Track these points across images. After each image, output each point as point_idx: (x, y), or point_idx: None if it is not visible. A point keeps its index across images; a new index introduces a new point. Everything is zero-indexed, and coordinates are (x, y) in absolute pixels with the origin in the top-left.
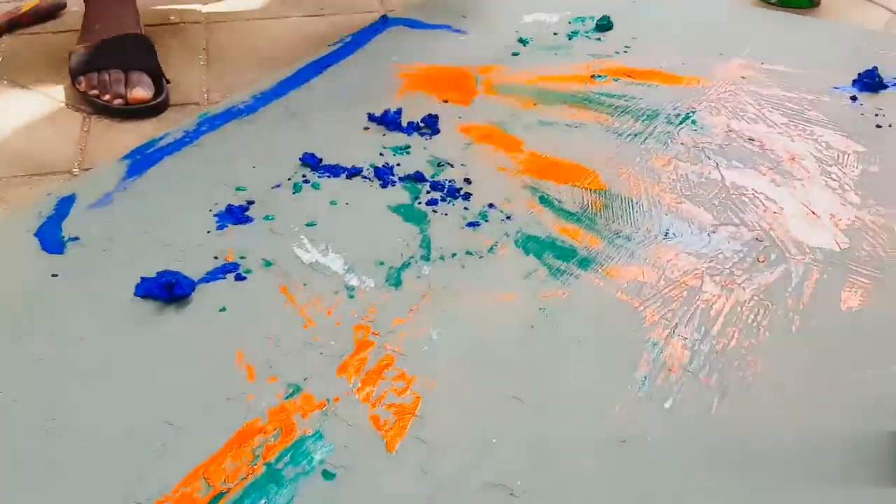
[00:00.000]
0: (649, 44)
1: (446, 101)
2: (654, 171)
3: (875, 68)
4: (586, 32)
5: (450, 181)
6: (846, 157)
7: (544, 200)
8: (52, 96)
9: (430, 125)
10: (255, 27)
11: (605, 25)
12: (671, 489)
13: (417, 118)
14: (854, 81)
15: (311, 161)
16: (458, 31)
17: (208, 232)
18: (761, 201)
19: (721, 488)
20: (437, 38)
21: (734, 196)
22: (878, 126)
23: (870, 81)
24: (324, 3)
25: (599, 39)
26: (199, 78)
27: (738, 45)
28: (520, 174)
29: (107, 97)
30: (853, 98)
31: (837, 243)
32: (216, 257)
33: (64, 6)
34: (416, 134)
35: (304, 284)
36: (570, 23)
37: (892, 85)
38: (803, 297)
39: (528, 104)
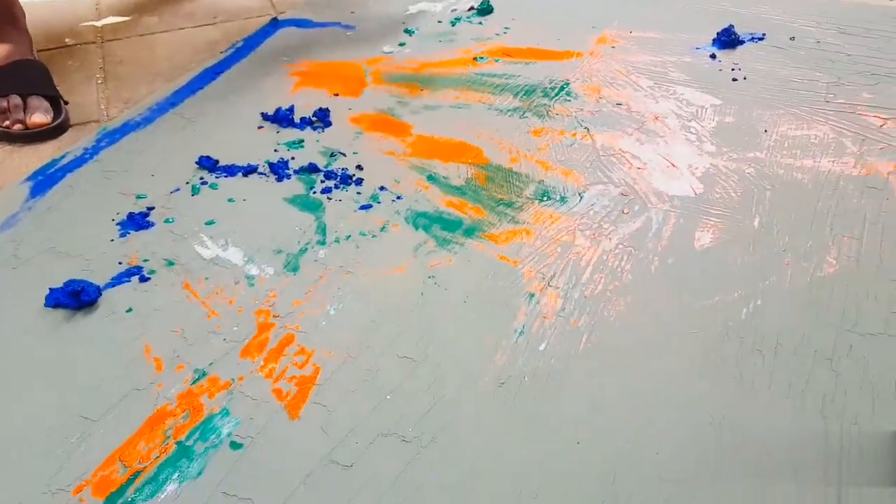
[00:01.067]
0: (527, 24)
1: (337, 95)
2: (532, 142)
3: (731, 26)
4: (468, 17)
5: (343, 169)
6: (704, 111)
7: (431, 178)
8: None
9: (322, 118)
10: (149, 41)
11: (485, 9)
12: (544, 420)
13: (309, 113)
14: (713, 40)
15: (207, 164)
16: (346, 27)
17: (112, 240)
18: (627, 160)
19: (588, 416)
20: (327, 36)
21: (603, 157)
22: (734, 80)
23: (727, 39)
24: (217, 11)
25: (481, 23)
26: (97, 95)
27: (609, 18)
28: (408, 157)
29: (6, 123)
30: (712, 56)
31: (693, 189)
32: (120, 262)
33: None
34: (308, 128)
35: (206, 279)
36: (452, 10)
37: (748, 40)
38: (662, 240)
39: (415, 90)
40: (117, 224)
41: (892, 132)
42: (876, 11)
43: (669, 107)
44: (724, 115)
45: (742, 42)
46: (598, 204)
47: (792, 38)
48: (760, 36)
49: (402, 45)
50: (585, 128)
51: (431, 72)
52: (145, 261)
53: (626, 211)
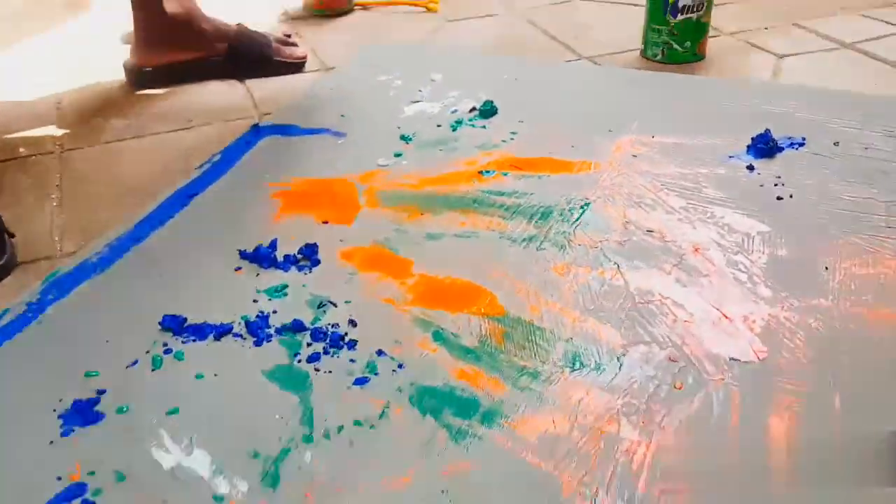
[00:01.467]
0: (536, 127)
1: (326, 223)
2: (554, 283)
3: (768, 131)
4: (470, 120)
5: (333, 326)
6: (751, 240)
7: (438, 337)
8: None
9: (309, 256)
10: (115, 151)
11: (488, 111)
12: None
13: (294, 249)
14: (749, 147)
15: (172, 324)
16: (336, 133)
17: (51, 442)
18: (669, 308)
19: None
20: (315, 145)
21: (640, 305)
22: (779, 198)
23: (764, 146)
24: (193, 111)
25: (484, 127)
26: (50, 224)
27: (626, 118)
28: (409, 305)
29: None
30: (750, 168)
31: (755, 353)
32: (59, 478)
33: None
34: (293, 268)
35: (164, 502)
36: (452, 111)
37: (788, 146)
38: (726, 428)
39: (415, 214)
40: (59, 416)
41: None
42: None
43: (710, 235)
44: (775, 245)
45: (781, 149)
46: (642, 374)
47: (836, 144)
48: (801, 141)
49: (398, 155)
50: (615, 264)
51: (432, 190)
52: (90, 474)
53: (678, 385)
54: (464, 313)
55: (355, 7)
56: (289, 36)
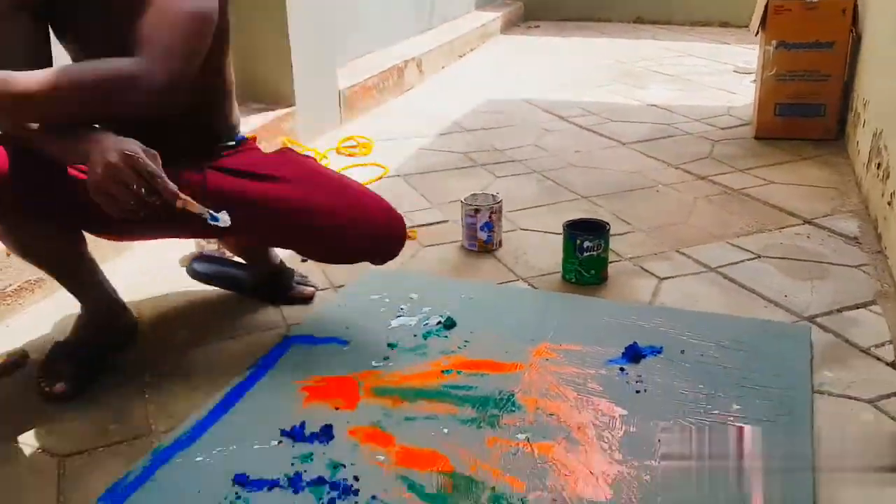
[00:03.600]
0: (482, 337)
1: (338, 409)
2: (486, 451)
3: (635, 343)
4: (437, 331)
5: (343, 480)
6: (614, 421)
7: (412, 487)
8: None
9: (327, 433)
10: (188, 355)
11: (450, 324)
12: None
13: (317, 428)
14: (622, 354)
15: (241, 480)
16: (342, 342)
17: None
18: (557, 468)
19: None
20: (327, 352)
21: (539, 466)
22: (637, 392)
23: (632, 354)
24: (234, 325)
25: (447, 336)
26: (145, 409)
27: (544, 330)
28: (392, 466)
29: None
30: (622, 369)
31: (605, 496)
32: None
33: (27, 356)
34: (316, 442)
35: None
36: (424, 324)
37: (649, 353)
38: None
39: (397, 403)
40: None
41: None
42: (751, 326)
43: (589, 417)
44: (628, 424)
45: (644, 356)
46: None
47: (682, 352)
48: (659, 349)
49: (386, 358)
50: (526, 437)
51: (409, 385)
52: None
53: None
54: (428, 471)
55: None
56: (307, 278)
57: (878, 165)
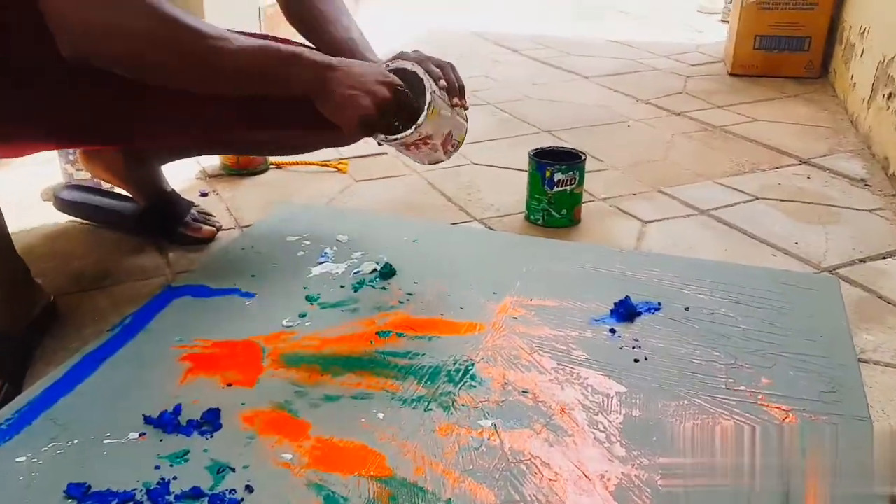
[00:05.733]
0: (429, 289)
1: (230, 385)
2: (438, 444)
3: (628, 298)
4: (371, 281)
5: (230, 492)
6: (610, 400)
7: (330, 500)
8: None
9: (211, 421)
10: None
11: (388, 273)
12: None
13: (198, 414)
14: (612, 312)
15: (76, 493)
16: (245, 294)
17: None
18: (537, 468)
19: None
20: (224, 307)
21: (513, 465)
22: (636, 360)
23: (624, 312)
24: (107, 271)
25: (384, 288)
26: None
27: (509, 281)
28: (305, 469)
29: None
30: (612, 331)
31: None
32: None
33: None
34: (196, 433)
35: None
36: (355, 272)
37: (645, 311)
38: None
39: (315, 376)
40: None
41: None
42: (766, 277)
43: (576, 395)
44: (629, 405)
45: (640, 314)
46: None
47: (686, 309)
48: (657, 306)
49: (302, 315)
50: (493, 424)
51: (333, 350)
52: None
53: None
54: (354, 476)
55: (270, 166)
56: (210, 215)
57: (888, 96)
